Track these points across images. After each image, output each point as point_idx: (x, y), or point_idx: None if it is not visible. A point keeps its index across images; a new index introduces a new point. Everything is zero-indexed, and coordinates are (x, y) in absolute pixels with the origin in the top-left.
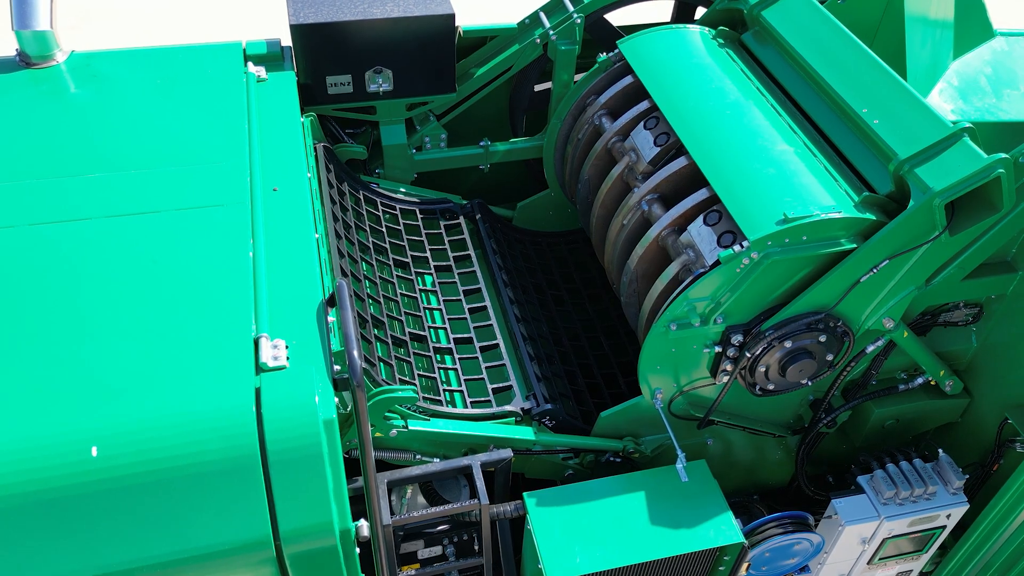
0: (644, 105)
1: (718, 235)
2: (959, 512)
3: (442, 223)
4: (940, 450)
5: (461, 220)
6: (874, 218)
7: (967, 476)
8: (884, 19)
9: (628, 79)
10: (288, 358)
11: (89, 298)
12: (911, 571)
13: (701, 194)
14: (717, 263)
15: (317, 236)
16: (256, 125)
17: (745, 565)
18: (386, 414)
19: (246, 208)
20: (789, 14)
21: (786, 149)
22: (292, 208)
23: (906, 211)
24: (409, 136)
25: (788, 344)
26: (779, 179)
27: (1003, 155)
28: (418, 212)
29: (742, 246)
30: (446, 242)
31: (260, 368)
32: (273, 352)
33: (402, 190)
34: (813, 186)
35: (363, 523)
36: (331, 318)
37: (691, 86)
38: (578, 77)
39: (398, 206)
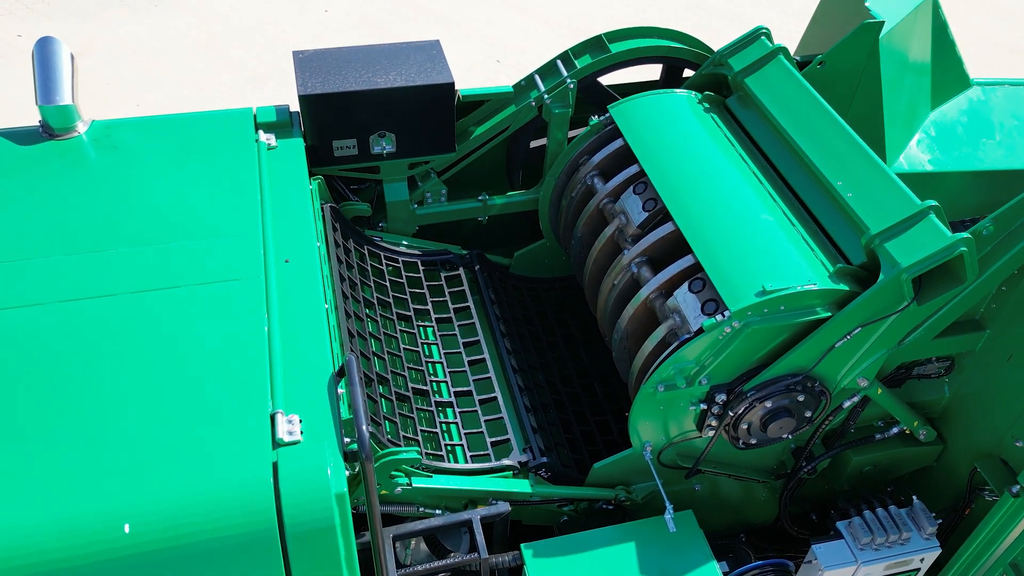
0: (634, 169)
1: (702, 302)
2: (932, 556)
3: (442, 274)
4: (915, 497)
5: (461, 271)
6: (847, 288)
7: (940, 521)
8: (864, 74)
9: (619, 142)
10: (302, 432)
11: (114, 375)
12: None
13: (687, 260)
14: (701, 330)
15: (327, 307)
16: (268, 195)
17: None
18: (392, 473)
19: (260, 282)
20: (770, 83)
21: (766, 219)
22: (303, 279)
23: (876, 285)
24: (411, 192)
25: (769, 404)
26: (759, 250)
27: (965, 234)
28: (420, 264)
29: (724, 315)
30: (446, 293)
31: (276, 443)
32: (288, 427)
33: (404, 243)
34: (791, 257)
35: None
36: (341, 390)
37: (677, 153)
38: (573, 133)
39: (400, 259)
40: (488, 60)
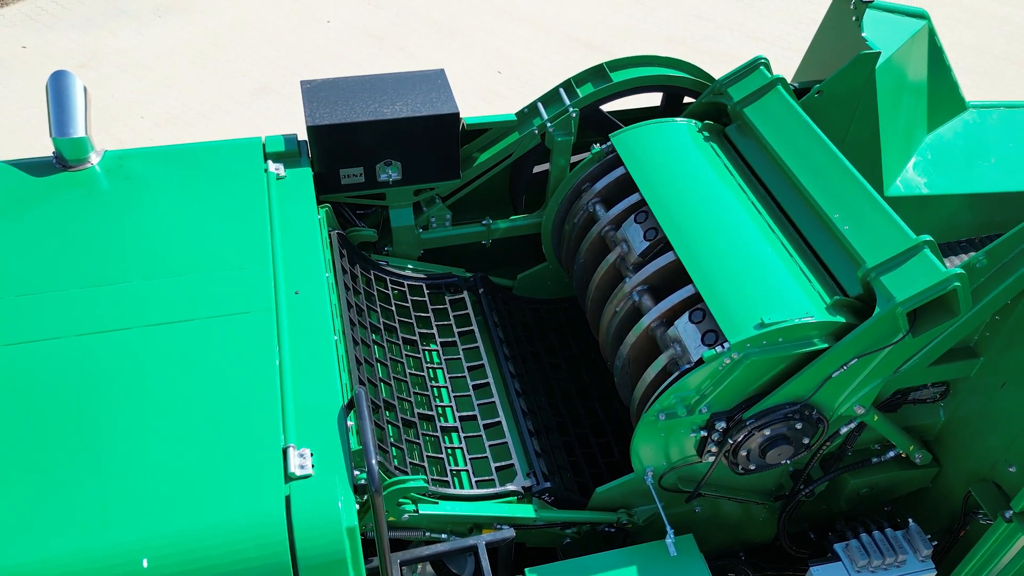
0: (635, 198)
1: (702, 333)
2: None
3: (447, 297)
4: (911, 520)
5: (465, 294)
6: (844, 320)
7: (935, 543)
8: (861, 101)
9: (620, 170)
10: (313, 466)
11: (129, 410)
12: None
13: (687, 290)
14: (701, 361)
15: (336, 338)
16: (278, 226)
17: None
18: (399, 500)
19: (271, 314)
20: (769, 114)
21: (765, 250)
22: (313, 311)
23: (872, 318)
24: (416, 217)
25: (767, 431)
26: (757, 281)
27: (959, 269)
28: (425, 288)
29: (724, 347)
30: (451, 317)
31: (289, 477)
32: (300, 461)
33: (410, 267)
34: (789, 289)
35: None
36: (350, 422)
37: (678, 183)
38: (576, 159)
39: (406, 283)
40: (489, 71)
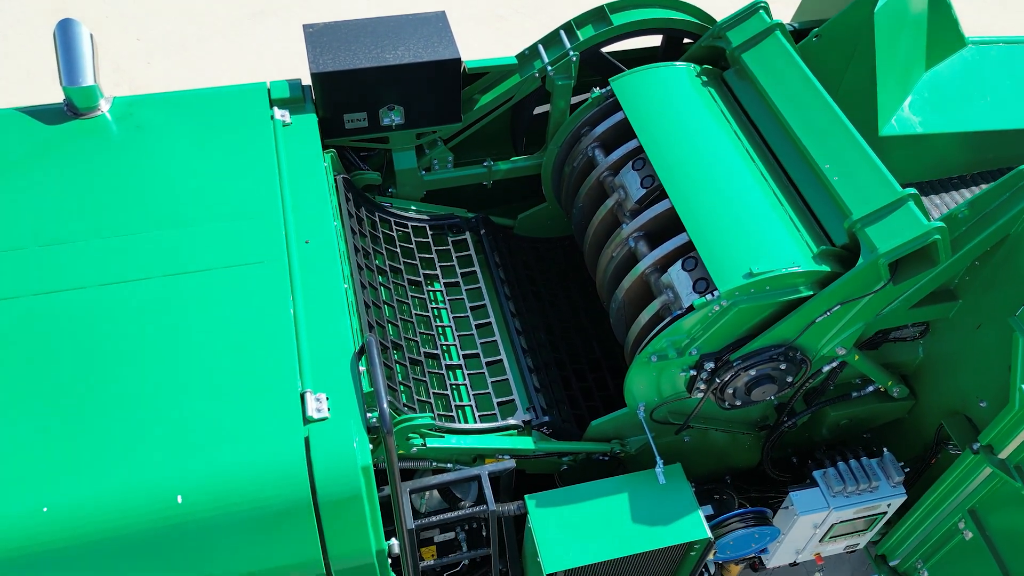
0: (633, 144)
1: (694, 280)
2: (898, 502)
3: (450, 238)
4: (885, 449)
5: (467, 235)
6: (829, 269)
7: (907, 470)
8: (860, 43)
9: (619, 115)
10: (329, 409)
11: (155, 358)
12: (858, 544)
13: (681, 238)
14: (692, 308)
15: (346, 286)
16: (286, 175)
17: (712, 552)
18: (408, 435)
19: (284, 264)
20: (766, 60)
21: (757, 199)
22: (323, 259)
23: (855, 268)
24: (419, 159)
25: (753, 372)
26: (748, 231)
27: (939, 223)
28: (428, 229)
29: (714, 295)
30: (454, 258)
31: (307, 420)
32: (317, 405)
33: (413, 208)
34: (777, 239)
35: (394, 542)
36: (362, 367)
37: (675, 131)
38: (576, 99)
39: (410, 224)
40: (491, 16)
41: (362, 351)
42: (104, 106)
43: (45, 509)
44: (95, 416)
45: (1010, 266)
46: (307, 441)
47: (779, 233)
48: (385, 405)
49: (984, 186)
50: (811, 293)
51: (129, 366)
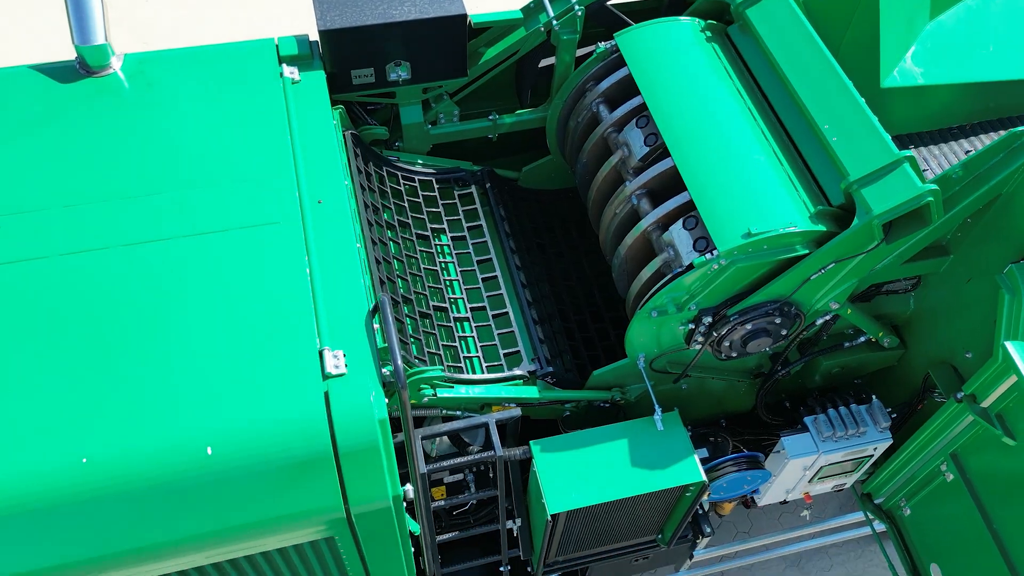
0: (637, 101)
1: (694, 239)
2: (884, 446)
3: (456, 192)
4: (874, 397)
5: (473, 188)
6: (825, 229)
7: (894, 416)
8: None
9: (624, 71)
10: (347, 365)
11: (180, 317)
12: (845, 483)
13: (682, 197)
14: (692, 266)
15: (359, 245)
16: (297, 134)
17: (706, 493)
18: (420, 386)
19: (298, 224)
20: (770, 16)
21: (758, 158)
22: (336, 219)
23: (850, 229)
24: (425, 113)
25: (749, 326)
26: (747, 191)
27: (932, 185)
28: (435, 182)
29: (713, 254)
30: (460, 212)
31: (326, 375)
32: (334, 362)
33: (420, 162)
34: (776, 198)
35: (408, 488)
36: (376, 325)
37: (678, 89)
38: (581, 52)
39: (417, 178)
40: None
41: (375, 309)
42: (116, 64)
43: (85, 460)
44: (128, 373)
45: (1000, 224)
46: (327, 396)
47: (778, 192)
48: (399, 361)
49: (984, 136)
50: (807, 252)
51: (157, 325)
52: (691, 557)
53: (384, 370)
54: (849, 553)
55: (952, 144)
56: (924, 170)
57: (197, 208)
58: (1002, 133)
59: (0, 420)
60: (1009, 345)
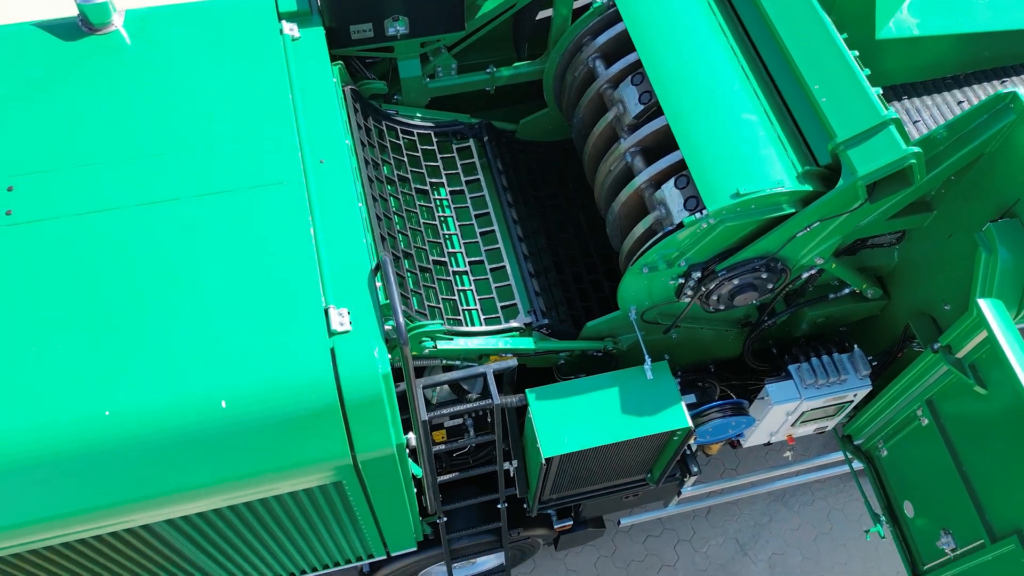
0: (632, 57)
1: (685, 198)
2: (864, 392)
3: (454, 145)
4: (856, 346)
5: (470, 142)
6: (811, 188)
7: (875, 363)
8: None
9: (620, 26)
10: (351, 323)
11: (190, 277)
12: (826, 426)
13: (674, 156)
14: (682, 224)
15: (360, 205)
16: (298, 93)
17: (692, 437)
18: (421, 339)
19: (301, 184)
20: None
21: (749, 118)
22: (337, 179)
23: (834, 190)
24: (423, 67)
25: (736, 281)
26: (737, 151)
27: (916, 148)
28: (433, 136)
29: (703, 213)
30: (458, 166)
31: (331, 332)
32: (339, 319)
33: (418, 115)
34: (765, 159)
35: (411, 436)
36: (378, 283)
37: (673, 46)
38: (579, 4)
39: (416, 131)
40: None
41: (378, 268)
42: (117, 20)
43: (107, 413)
44: (146, 332)
45: (982, 183)
46: (333, 352)
47: (767, 152)
48: (401, 319)
49: (977, 87)
50: (794, 211)
51: (171, 285)
52: (679, 494)
53: (386, 326)
54: (830, 489)
55: (945, 95)
56: (916, 121)
57: (204, 169)
58: (995, 83)
59: (31, 377)
60: (982, 302)
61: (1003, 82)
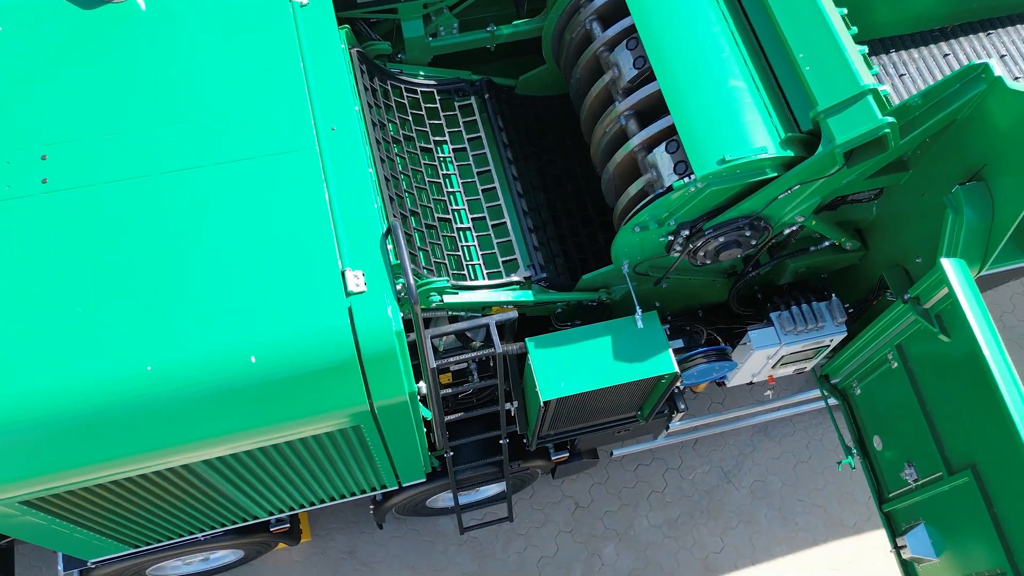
0: (628, 21)
1: (675, 163)
2: (839, 337)
3: (456, 103)
4: (833, 295)
5: (472, 100)
6: (793, 154)
7: (851, 310)
8: None
9: None
10: (366, 284)
11: (216, 241)
12: (805, 367)
13: (666, 121)
14: (671, 188)
15: (371, 170)
16: (309, 61)
17: (679, 380)
18: (429, 294)
19: (315, 152)
20: None
21: (736, 85)
22: (349, 145)
23: (814, 156)
24: (425, 26)
25: (722, 238)
26: (724, 118)
27: (890, 119)
28: (436, 94)
29: (691, 177)
30: (461, 123)
31: (348, 293)
32: (355, 280)
33: (421, 73)
34: (750, 126)
35: (422, 384)
36: (389, 245)
37: (666, 13)
38: None
39: (419, 90)
40: None
41: (388, 232)
42: None
43: (149, 368)
44: (181, 294)
45: (953, 147)
46: (350, 312)
47: (752, 119)
48: (411, 279)
49: (963, 39)
50: (776, 175)
51: (201, 251)
52: (667, 428)
53: (397, 283)
54: (809, 422)
55: (932, 47)
56: (902, 75)
57: (223, 137)
58: (980, 36)
59: (81, 337)
60: (945, 261)
61: (988, 34)
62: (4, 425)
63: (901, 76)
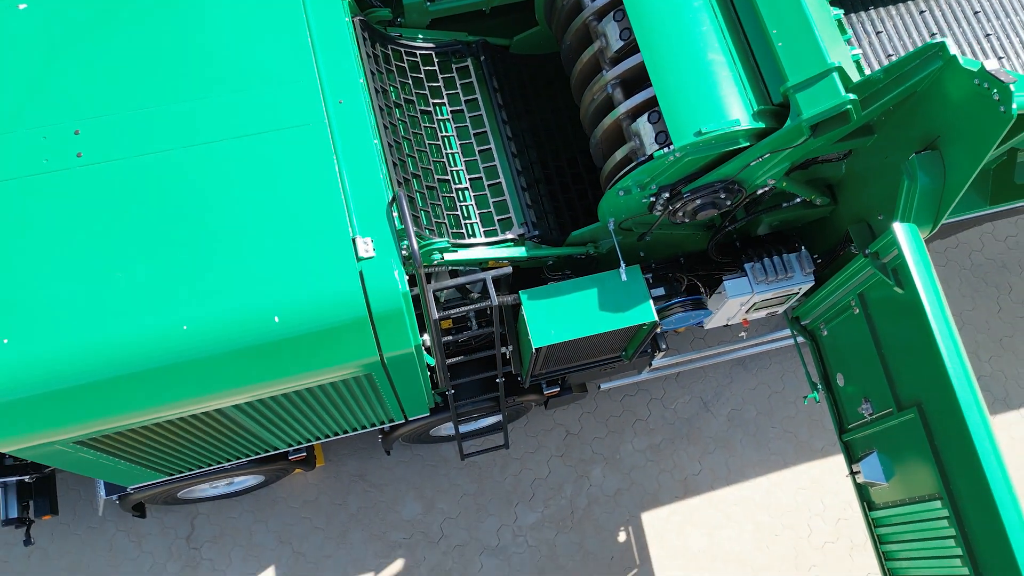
0: None
1: (656, 133)
2: (807, 286)
3: (453, 65)
4: (803, 247)
5: (468, 61)
6: (765, 125)
7: (819, 260)
8: None
9: None
10: (375, 249)
11: (237, 212)
12: (776, 311)
13: (649, 92)
14: (652, 157)
15: (376, 141)
16: (316, 36)
17: (659, 327)
18: (431, 254)
19: (324, 125)
20: None
21: (714, 59)
22: (356, 118)
23: (783, 128)
24: None
25: (699, 200)
26: (702, 91)
27: (852, 96)
28: (434, 56)
29: (670, 147)
30: (458, 85)
31: (359, 258)
32: (365, 247)
33: (420, 36)
34: (725, 99)
35: (426, 337)
36: (395, 212)
37: None
38: None
39: (419, 52)
40: None
41: (393, 200)
42: None
43: (185, 327)
44: (211, 261)
45: (912, 117)
46: (361, 275)
47: (727, 91)
48: (415, 244)
49: None
50: (748, 144)
51: (224, 222)
52: (651, 365)
53: (402, 246)
54: (784, 355)
55: (909, 4)
56: (879, 32)
57: (239, 112)
58: None
59: (123, 301)
60: (896, 226)
61: None
62: (61, 377)
63: (878, 33)
